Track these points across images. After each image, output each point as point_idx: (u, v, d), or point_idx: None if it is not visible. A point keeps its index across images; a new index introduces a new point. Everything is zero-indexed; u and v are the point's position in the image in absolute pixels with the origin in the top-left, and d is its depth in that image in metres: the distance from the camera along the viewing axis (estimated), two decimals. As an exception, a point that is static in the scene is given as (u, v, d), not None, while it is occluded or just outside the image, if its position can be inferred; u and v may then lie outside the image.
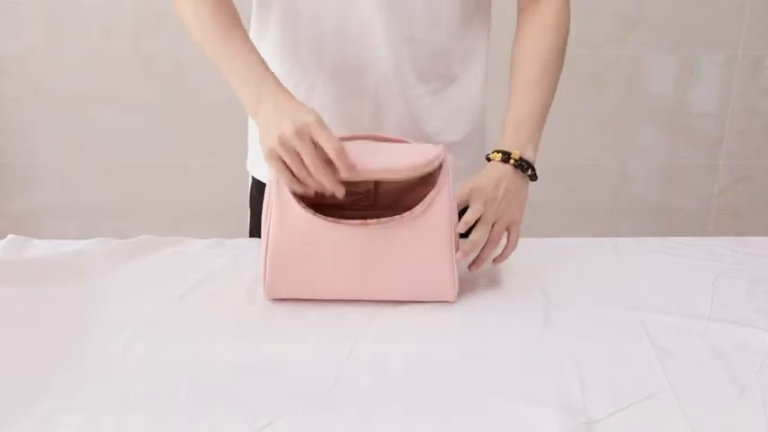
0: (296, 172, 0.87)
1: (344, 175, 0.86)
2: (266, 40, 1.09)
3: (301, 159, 0.86)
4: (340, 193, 0.88)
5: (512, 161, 1.00)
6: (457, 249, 0.94)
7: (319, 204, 0.93)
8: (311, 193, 0.89)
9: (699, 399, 0.76)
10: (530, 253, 1.08)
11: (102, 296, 0.95)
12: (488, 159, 1.03)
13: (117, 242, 1.08)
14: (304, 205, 0.90)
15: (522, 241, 1.11)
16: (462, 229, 0.93)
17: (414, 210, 0.90)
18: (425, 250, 0.92)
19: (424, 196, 0.91)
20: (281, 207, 0.90)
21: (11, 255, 1.04)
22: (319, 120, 0.87)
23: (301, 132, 0.85)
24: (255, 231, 1.11)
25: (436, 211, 0.91)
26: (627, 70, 2.25)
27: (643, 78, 2.27)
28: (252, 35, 1.12)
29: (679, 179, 2.40)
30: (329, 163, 0.87)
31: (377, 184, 0.98)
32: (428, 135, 1.12)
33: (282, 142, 0.86)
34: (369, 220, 0.89)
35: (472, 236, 0.95)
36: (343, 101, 1.09)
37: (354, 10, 1.02)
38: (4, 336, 0.84)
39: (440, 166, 0.93)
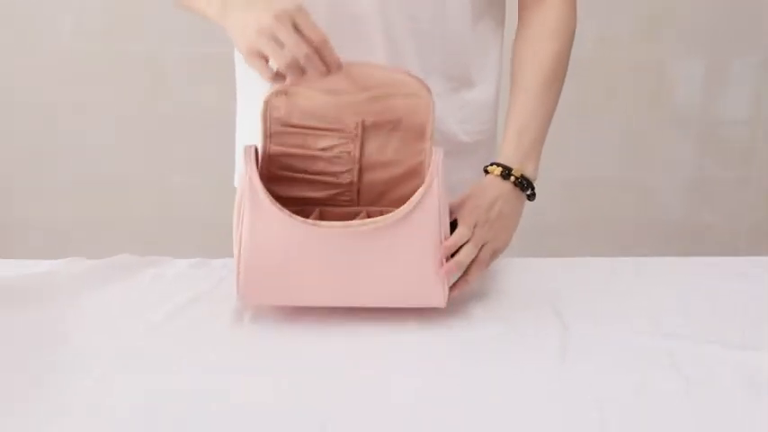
0: (280, 59, 0.83)
1: (333, 68, 0.85)
2: None
3: (283, 47, 0.83)
4: (336, 67, 0.85)
5: (512, 178, 0.97)
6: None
7: (295, 199, 0.92)
8: (298, 83, 0.87)
9: (729, 436, 0.70)
10: (544, 274, 1.06)
11: (73, 323, 0.90)
12: (486, 172, 0.99)
13: (91, 263, 1.04)
14: (280, 206, 0.86)
15: (535, 261, 1.10)
16: (445, 254, 0.89)
17: (398, 211, 0.87)
18: (412, 253, 0.89)
19: (413, 189, 0.89)
20: (254, 208, 0.87)
21: (-24, 276, 1.00)
22: (300, 6, 0.84)
23: (281, 18, 0.82)
24: None
25: (424, 211, 0.88)
26: (651, 74, 2.22)
27: (669, 83, 2.24)
28: None
29: (707, 194, 2.37)
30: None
31: (360, 175, 0.95)
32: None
33: (261, 31, 0.82)
34: (350, 222, 0.87)
35: (457, 256, 0.92)
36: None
37: (346, 5, 0.98)
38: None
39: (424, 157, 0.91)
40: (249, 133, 1.12)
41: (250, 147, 0.90)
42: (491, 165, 0.99)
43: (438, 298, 0.91)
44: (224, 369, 0.81)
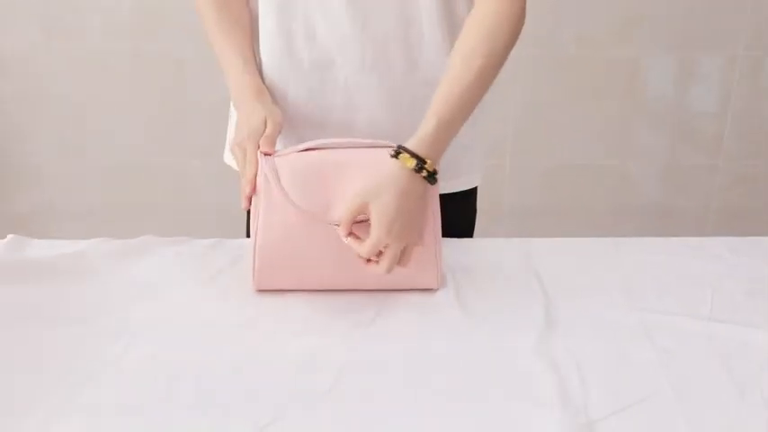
0: (243, 173, 0.96)
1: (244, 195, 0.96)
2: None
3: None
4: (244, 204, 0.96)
5: (424, 173, 0.92)
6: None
7: None
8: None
9: (699, 399, 0.76)
10: (531, 252, 1.09)
11: (102, 297, 0.95)
12: (397, 153, 0.92)
13: (118, 242, 1.08)
14: (292, 201, 0.91)
15: (519, 240, 1.12)
16: (367, 256, 0.89)
17: None
18: None
19: None
20: (269, 204, 0.92)
21: (11, 255, 1.04)
22: (252, 136, 0.97)
23: (251, 138, 0.98)
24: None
25: None
26: (627, 71, 2.26)
27: (643, 79, 2.27)
28: None
29: (679, 179, 2.41)
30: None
31: None
32: (403, 128, 1.03)
33: (238, 143, 0.99)
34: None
35: (362, 251, 0.89)
36: (314, 95, 1.10)
37: (321, 4, 1.03)
38: (4, 336, 0.84)
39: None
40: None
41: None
42: (404, 153, 0.92)
43: (432, 280, 0.97)
44: (241, 336, 0.87)
